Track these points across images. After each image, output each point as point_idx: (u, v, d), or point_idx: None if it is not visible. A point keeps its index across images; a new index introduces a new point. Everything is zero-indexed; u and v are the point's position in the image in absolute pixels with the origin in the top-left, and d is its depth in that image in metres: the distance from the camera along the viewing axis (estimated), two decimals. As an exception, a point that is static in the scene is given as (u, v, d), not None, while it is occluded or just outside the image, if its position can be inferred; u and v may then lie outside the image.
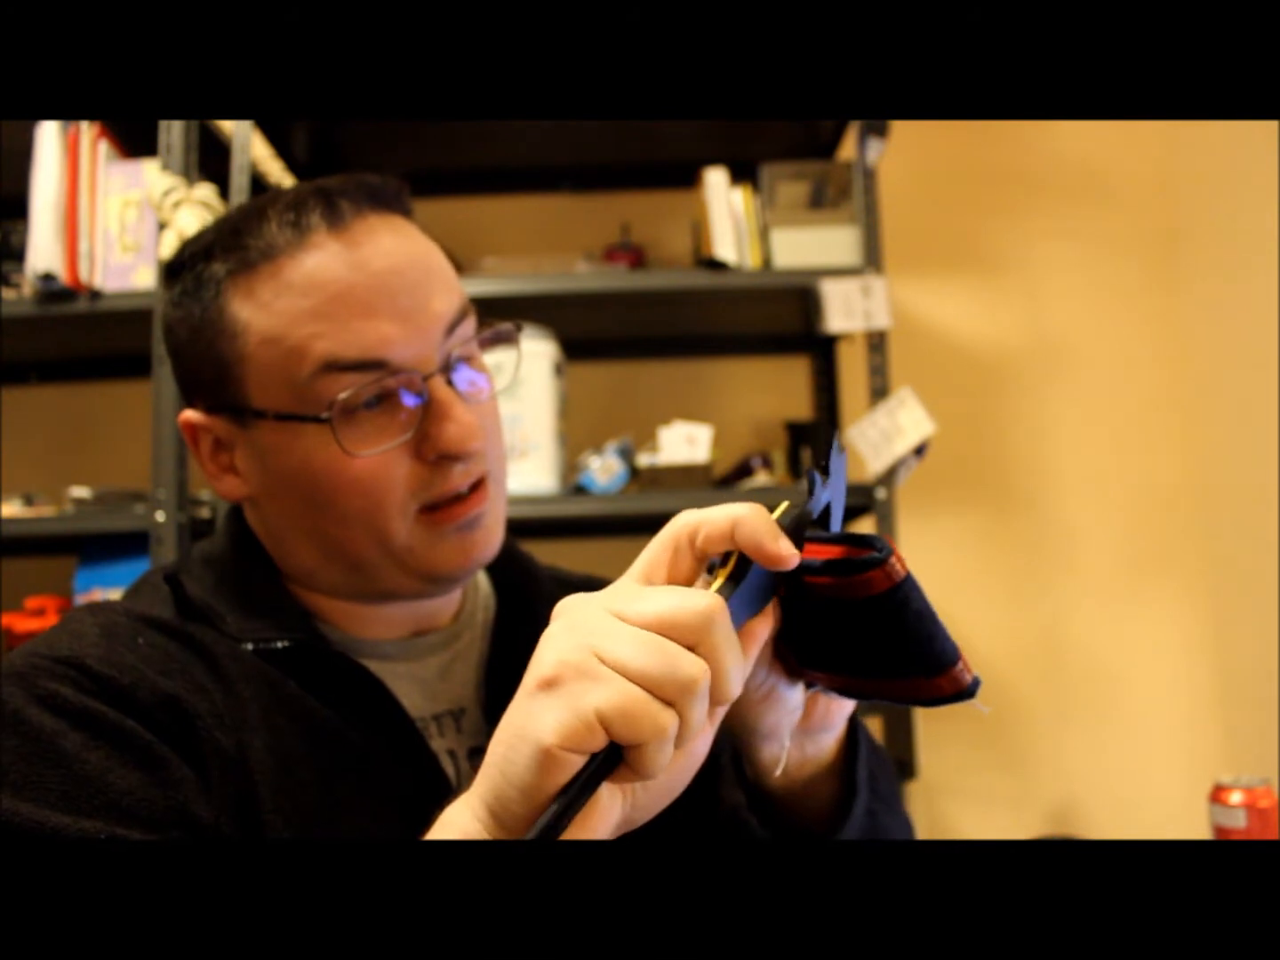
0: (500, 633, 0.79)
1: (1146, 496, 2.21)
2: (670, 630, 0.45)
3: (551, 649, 0.46)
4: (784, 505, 0.51)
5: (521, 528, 1.94)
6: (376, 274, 0.69)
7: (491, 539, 0.74)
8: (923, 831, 2.10)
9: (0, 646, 1.82)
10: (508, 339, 0.77)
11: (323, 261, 0.68)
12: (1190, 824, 1.26)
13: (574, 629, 0.46)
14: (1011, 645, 2.18)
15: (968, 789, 2.16)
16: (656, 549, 0.50)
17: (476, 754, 0.74)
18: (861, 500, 1.80)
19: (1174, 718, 2.16)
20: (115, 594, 1.75)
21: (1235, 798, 1.06)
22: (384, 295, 0.68)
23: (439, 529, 0.71)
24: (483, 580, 0.84)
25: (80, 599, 1.77)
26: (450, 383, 0.71)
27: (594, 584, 0.83)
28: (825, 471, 0.51)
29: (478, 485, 0.72)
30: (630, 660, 0.44)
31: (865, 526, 1.91)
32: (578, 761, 0.44)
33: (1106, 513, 2.21)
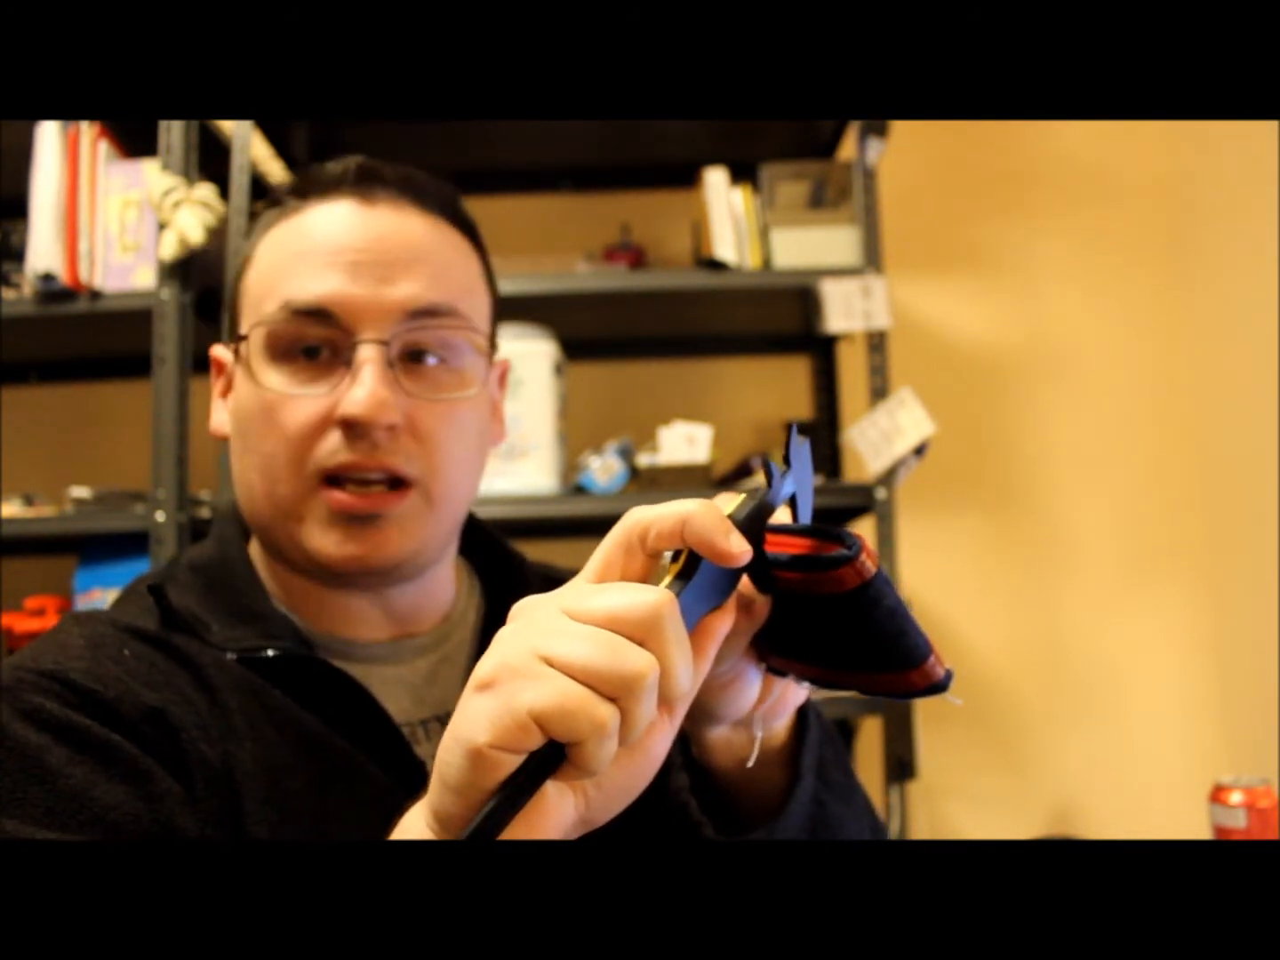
0: (487, 635, 0.78)
1: (1146, 497, 2.21)
2: (619, 625, 0.44)
3: (496, 651, 0.45)
4: (739, 498, 0.50)
5: (521, 528, 1.95)
6: (368, 239, 0.71)
7: (390, 547, 0.70)
8: (923, 831, 2.10)
9: (0, 647, 1.82)
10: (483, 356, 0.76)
11: (329, 217, 0.72)
12: (1190, 824, 1.25)
13: (523, 630, 0.46)
14: (1011, 645, 2.18)
15: (968, 789, 2.16)
16: (608, 548, 0.49)
17: None
18: (861, 500, 1.80)
19: (1174, 718, 2.16)
20: (115, 594, 1.74)
21: (1235, 798, 1.06)
22: (365, 257, 0.70)
23: (330, 509, 0.69)
24: (475, 581, 0.83)
25: (80, 599, 1.77)
26: (391, 363, 0.70)
27: None
28: (786, 462, 0.50)
29: (398, 486, 0.70)
30: (576, 656, 0.43)
31: (865, 526, 1.90)
32: (512, 761, 0.43)
33: (1106, 513, 2.21)
